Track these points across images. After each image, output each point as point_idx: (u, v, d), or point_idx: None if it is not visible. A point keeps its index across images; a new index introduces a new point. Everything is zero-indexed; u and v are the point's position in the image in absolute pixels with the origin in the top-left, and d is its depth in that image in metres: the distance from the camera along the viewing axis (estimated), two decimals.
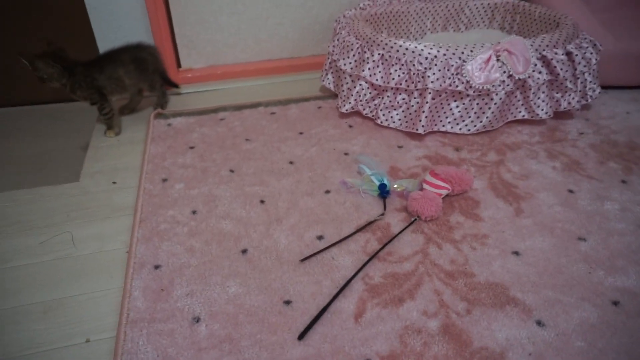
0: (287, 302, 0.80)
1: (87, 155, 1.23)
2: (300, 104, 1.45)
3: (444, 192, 1.01)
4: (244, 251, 0.91)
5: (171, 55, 1.58)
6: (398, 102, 1.28)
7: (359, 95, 1.32)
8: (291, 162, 1.17)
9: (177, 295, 0.82)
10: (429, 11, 1.65)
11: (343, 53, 1.36)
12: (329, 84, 1.47)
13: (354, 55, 1.32)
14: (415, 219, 0.97)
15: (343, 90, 1.36)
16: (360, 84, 1.31)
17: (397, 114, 1.29)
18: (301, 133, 1.29)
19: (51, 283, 0.86)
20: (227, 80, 1.63)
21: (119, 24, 1.49)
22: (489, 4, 1.64)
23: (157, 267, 0.88)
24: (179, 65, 1.64)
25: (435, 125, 1.27)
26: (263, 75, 1.66)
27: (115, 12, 1.47)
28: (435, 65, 1.20)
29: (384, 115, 1.30)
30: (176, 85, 1.52)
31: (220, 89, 1.59)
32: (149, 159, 1.19)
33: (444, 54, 1.20)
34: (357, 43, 1.31)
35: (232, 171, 1.14)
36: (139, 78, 1.35)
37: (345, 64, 1.34)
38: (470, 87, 1.20)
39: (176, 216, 1.00)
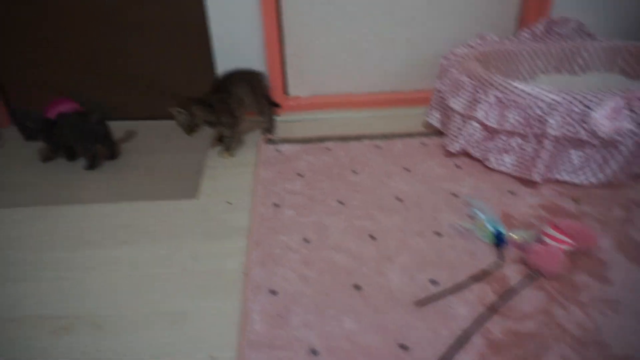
0: (404, 347, 0.79)
1: (203, 174, 1.32)
2: (404, 139, 1.45)
3: (567, 247, 0.96)
4: (357, 287, 0.91)
5: (280, 83, 1.66)
6: (511, 146, 1.24)
7: (470, 136, 1.29)
8: (399, 199, 1.17)
9: (294, 324, 0.84)
10: (542, 52, 1.60)
11: (453, 92, 1.35)
12: (434, 121, 1.46)
13: (466, 95, 1.31)
14: (536, 275, 0.92)
15: (451, 129, 1.35)
16: (471, 124, 1.29)
17: (509, 158, 1.25)
18: (407, 169, 1.29)
19: (178, 294, 0.92)
20: (331, 110, 1.68)
21: (239, 52, 1.60)
22: (609, 46, 1.56)
23: (273, 292, 0.91)
24: (286, 93, 1.71)
25: (552, 173, 1.22)
26: (366, 107, 1.69)
27: (236, 41, 1.57)
28: (557, 110, 1.16)
29: (495, 158, 1.26)
30: (277, 105, 1.57)
31: (324, 118, 1.64)
32: (260, 182, 1.25)
33: (567, 99, 1.15)
34: (470, 83, 1.30)
35: (340, 202, 1.16)
36: (253, 100, 1.42)
37: (455, 103, 1.33)
38: (595, 136, 1.14)
39: (288, 242, 1.04)
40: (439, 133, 1.45)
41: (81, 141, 1.38)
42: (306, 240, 1.04)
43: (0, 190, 1.28)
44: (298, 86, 1.71)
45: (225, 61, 1.62)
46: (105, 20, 1.68)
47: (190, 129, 1.30)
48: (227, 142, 1.40)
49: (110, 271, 0.98)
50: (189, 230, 1.10)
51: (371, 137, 1.46)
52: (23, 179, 1.34)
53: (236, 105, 1.35)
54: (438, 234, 1.05)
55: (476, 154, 1.30)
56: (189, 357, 0.80)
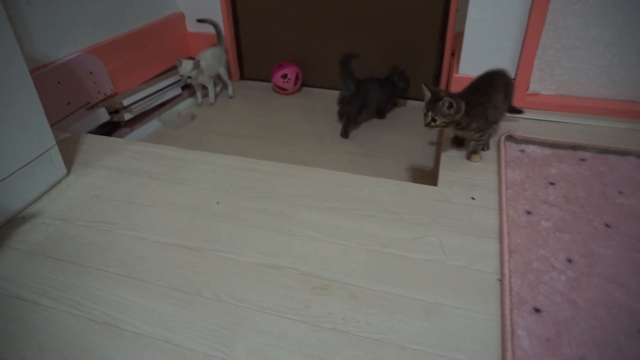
0: None
1: (441, 162, 1.27)
2: None
3: None
4: None
5: (525, 78, 1.51)
6: None
7: None
8: None
9: (568, 355, 0.74)
10: None
11: None
12: None
13: None
14: None
15: None
16: None
17: None
18: None
19: (427, 283, 0.90)
20: (579, 114, 1.48)
21: (488, 46, 1.50)
22: None
23: (537, 310, 0.82)
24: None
25: None
26: (625, 118, 1.45)
27: (489, 34, 1.47)
28: None
29: None
30: (520, 111, 1.44)
31: (571, 122, 1.45)
32: (506, 183, 1.15)
33: None
34: None
35: (607, 226, 1.01)
36: (504, 105, 1.30)
37: None
38: None
39: (549, 258, 0.93)
40: None
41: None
42: (569, 261, 0.92)
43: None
44: (542, 82, 1.53)
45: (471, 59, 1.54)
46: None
47: (434, 122, 1.17)
48: (475, 146, 1.27)
49: (360, 244, 1.00)
50: (433, 218, 1.06)
51: (638, 154, 1.24)
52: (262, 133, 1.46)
53: (491, 112, 1.22)
54: None
55: None
56: (447, 353, 0.76)
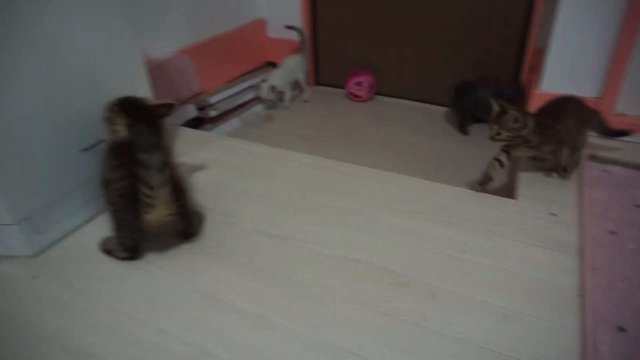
0: None
1: (520, 177, 1.27)
2: None
3: None
4: None
5: (609, 97, 1.49)
6: None
7: None
8: None
9: None
10: None
11: None
12: None
13: None
14: None
15: None
16: None
17: None
18: None
19: (504, 291, 0.92)
20: None
21: (572, 63, 1.49)
22: None
23: (621, 329, 0.82)
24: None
25: None
26: None
27: (575, 51, 1.47)
28: None
29: None
30: (627, 133, 1.34)
31: None
32: (589, 202, 1.14)
33: None
34: None
35: None
36: (575, 134, 1.22)
37: None
38: None
39: (634, 280, 0.92)
40: None
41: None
42: None
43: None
44: (627, 102, 1.50)
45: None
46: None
47: (498, 136, 1.15)
48: (572, 165, 1.25)
49: (437, 247, 1.03)
50: (511, 229, 1.08)
51: None
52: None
53: (563, 136, 1.19)
54: None
55: None
56: (525, 359, 0.79)
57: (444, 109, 1.97)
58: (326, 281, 0.94)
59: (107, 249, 1.03)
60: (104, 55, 1.10)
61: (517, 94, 1.74)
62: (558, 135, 1.18)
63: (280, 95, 2.06)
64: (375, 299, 0.90)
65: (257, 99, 2.09)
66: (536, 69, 1.68)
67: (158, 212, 0.93)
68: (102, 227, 1.09)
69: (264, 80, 2.01)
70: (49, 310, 0.90)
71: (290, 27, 2.07)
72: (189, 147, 1.43)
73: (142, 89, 1.23)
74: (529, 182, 1.25)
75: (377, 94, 2.17)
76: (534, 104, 1.56)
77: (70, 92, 1.03)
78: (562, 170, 1.27)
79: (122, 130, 0.97)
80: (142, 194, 0.91)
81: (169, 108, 1.05)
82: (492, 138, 1.16)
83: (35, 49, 0.94)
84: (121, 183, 0.94)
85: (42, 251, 1.04)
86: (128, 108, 0.98)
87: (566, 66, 1.52)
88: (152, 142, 0.91)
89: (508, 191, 1.32)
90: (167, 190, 0.93)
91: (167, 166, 0.94)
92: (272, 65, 2.39)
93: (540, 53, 1.62)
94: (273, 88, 1.96)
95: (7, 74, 0.90)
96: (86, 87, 1.06)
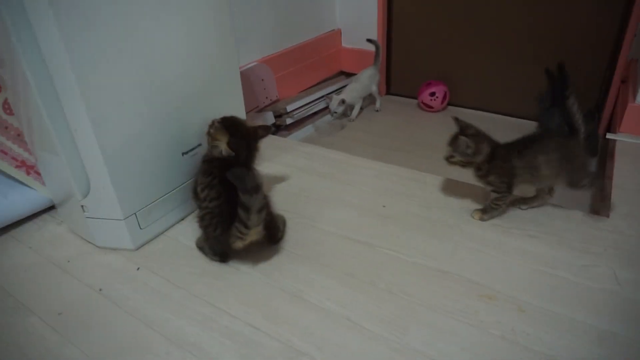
0: None
1: (613, 193, 1.21)
2: None
3: None
4: None
5: None
6: None
7: None
8: None
9: None
10: None
11: None
12: None
13: None
14: None
15: None
16: None
17: None
18: None
19: (598, 311, 0.88)
20: None
21: None
22: None
23: None
24: None
25: None
26: None
27: None
28: None
29: None
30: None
31: None
32: None
33: None
34: None
35: None
36: (559, 171, 1.08)
37: None
38: None
39: None
40: None
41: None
42: None
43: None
44: None
45: None
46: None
47: (451, 159, 1.10)
48: (492, 207, 1.14)
49: (524, 261, 1.01)
50: (604, 248, 1.03)
51: None
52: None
53: (521, 172, 1.08)
54: None
55: None
56: None
57: (519, 120, 1.91)
58: (410, 289, 0.95)
59: (201, 247, 1.11)
60: (207, 63, 1.18)
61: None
62: (509, 171, 1.08)
63: (348, 108, 2.10)
64: (462, 311, 0.90)
65: (327, 109, 2.15)
66: (631, 81, 1.60)
67: (248, 240, 0.97)
68: (195, 226, 1.18)
69: (337, 92, 2.06)
70: (150, 299, 0.98)
71: (369, 41, 2.11)
72: (271, 153, 1.50)
73: (237, 97, 1.31)
74: (624, 198, 1.19)
75: (450, 104, 2.15)
76: (628, 117, 1.48)
77: (176, 99, 1.12)
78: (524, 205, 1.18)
79: (221, 147, 1.04)
80: (237, 229, 0.94)
81: (266, 130, 1.13)
82: (447, 160, 1.11)
83: (145, 57, 1.02)
84: (211, 203, 0.99)
85: (143, 245, 1.14)
86: (230, 127, 1.05)
87: None
88: (256, 184, 0.91)
89: (594, 207, 1.26)
90: (261, 223, 0.96)
91: (265, 205, 0.95)
92: (345, 75, 2.44)
93: (635, 64, 1.54)
94: (343, 102, 2.00)
95: (121, 84, 0.99)
96: (190, 95, 1.15)
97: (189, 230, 1.17)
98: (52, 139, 0.97)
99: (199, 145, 1.20)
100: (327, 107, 2.16)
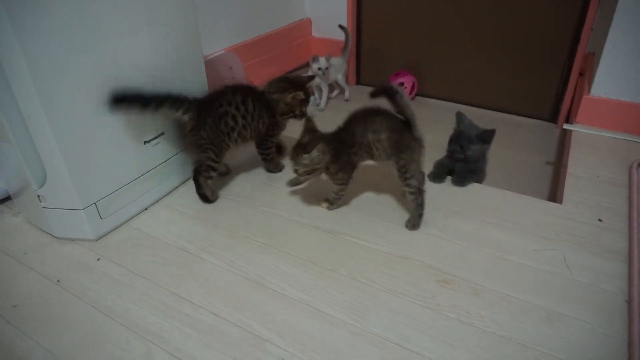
0: None
1: (567, 181, 1.27)
2: None
3: None
4: None
5: None
6: None
7: None
8: None
9: None
10: None
11: None
12: None
13: None
14: None
15: None
16: None
17: None
18: None
19: (548, 293, 0.92)
20: None
21: (627, 69, 1.46)
22: None
23: None
24: None
25: None
26: None
27: (630, 57, 1.44)
28: None
29: None
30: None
31: None
32: (637, 209, 1.13)
33: None
34: None
35: None
36: (389, 154, 1.08)
37: None
38: None
39: None
40: None
41: None
42: None
43: None
44: None
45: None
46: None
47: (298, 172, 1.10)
48: (333, 198, 1.18)
49: (481, 247, 1.05)
50: (556, 233, 1.08)
51: None
52: None
53: (360, 156, 1.11)
54: None
55: None
56: (569, 359, 0.80)
57: (486, 111, 1.96)
58: (371, 275, 0.97)
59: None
60: (169, 50, 1.16)
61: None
62: (350, 159, 1.10)
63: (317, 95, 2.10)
64: (420, 295, 0.92)
65: None
66: (587, 73, 1.65)
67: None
68: (157, 216, 1.17)
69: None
70: (111, 289, 0.97)
71: (342, 27, 2.10)
72: None
73: (201, 85, 1.29)
74: (577, 186, 1.24)
75: (419, 94, 2.18)
76: (585, 109, 1.54)
77: (137, 86, 1.08)
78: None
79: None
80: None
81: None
82: (300, 175, 1.10)
83: (101, 42, 0.99)
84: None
85: (104, 236, 1.12)
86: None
87: (620, 71, 1.48)
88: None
89: (551, 195, 1.31)
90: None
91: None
92: None
93: (592, 57, 1.59)
94: (329, 59, 1.97)
95: (75, 69, 0.96)
96: (151, 83, 1.12)
97: (153, 220, 1.16)
98: (3, 127, 0.94)
99: (162, 134, 1.18)
100: None
